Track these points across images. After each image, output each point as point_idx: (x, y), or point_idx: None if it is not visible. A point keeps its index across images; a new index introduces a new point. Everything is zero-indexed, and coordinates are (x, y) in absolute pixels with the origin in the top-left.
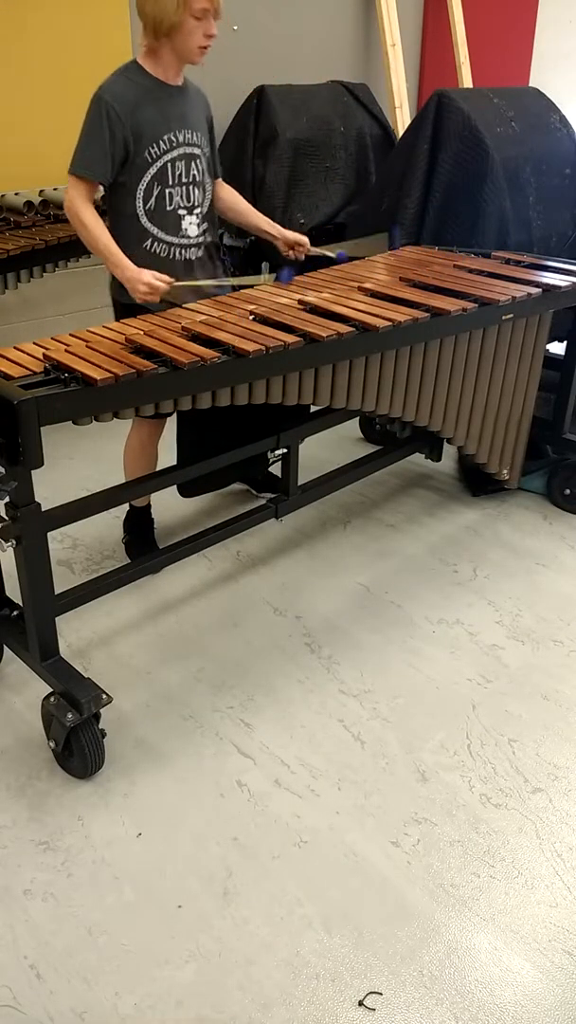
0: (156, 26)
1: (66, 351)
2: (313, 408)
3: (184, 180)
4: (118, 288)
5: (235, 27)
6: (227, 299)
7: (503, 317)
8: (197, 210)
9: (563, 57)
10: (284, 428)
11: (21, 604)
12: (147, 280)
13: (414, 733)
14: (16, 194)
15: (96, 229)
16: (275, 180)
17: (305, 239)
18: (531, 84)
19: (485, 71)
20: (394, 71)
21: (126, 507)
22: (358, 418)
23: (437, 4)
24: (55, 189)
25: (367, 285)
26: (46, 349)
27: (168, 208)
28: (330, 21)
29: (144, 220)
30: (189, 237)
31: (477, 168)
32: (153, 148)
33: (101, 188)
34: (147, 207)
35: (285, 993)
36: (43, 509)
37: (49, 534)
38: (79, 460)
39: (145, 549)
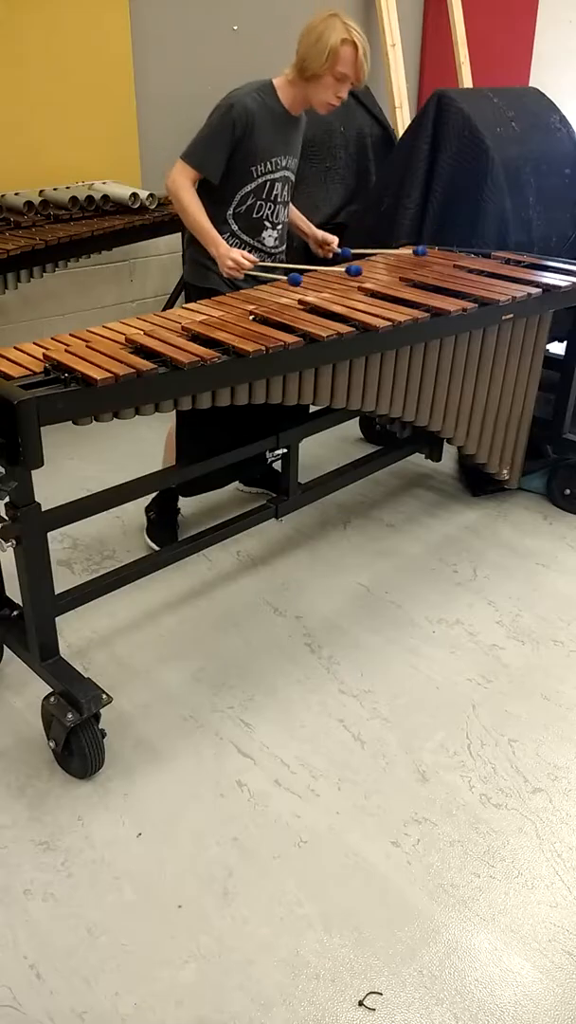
0: (302, 68)
1: (66, 351)
2: (313, 408)
3: (276, 199)
4: (196, 272)
5: (235, 27)
6: (227, 299)
7: (503, 317)
8: (279, 226)
9: (563, 57)
10: (284, 428)
11: (21, 604)
12: (234, 256)
13: (414, 733)
14: (16, 194)
15: (194, 209)
16: None
17: (333, 239)
18: (531, 84)
19: (485, 71)
20: (394, 71)
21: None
22: (358, 418)
23: (437, 4)
24: (55, 189)
25: (367, 285)
26: (46, 349)
27: (254, 216)
28: None
29: (229, 218)
30: (265, 246)
31: (477, 168)
32: (261, 166)
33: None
34: (236, 209)
35: (285, 993)
36: (43, 509)
37: (49, 534)
38: (79, 460)
39: (166, 532)
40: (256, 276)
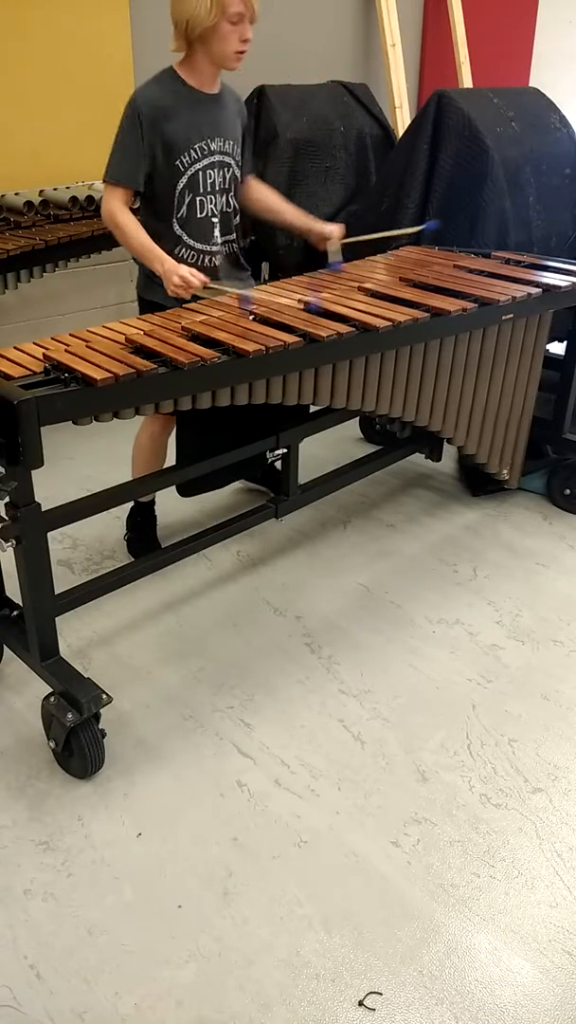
0: (188, 31)
1: (66, 351)
2: (313, 408)
3: (216, 188)
4: (144, 284)
5: None
6: (227, 299)
7: (503, 317)
8: (220, 216)
9: (563, 57)
10: (284, 428)
11: (21, 604)
12: (182, 274)
13: (414, 733)
14: (16, 194)
15: (131, 229)
16: (275, 180)
17: (334, 232)
18: (531, 84)
19: (485, 71)
20: (394, 71)
21: (126, 507)
22: (358, 418)
23: (437, 4)
24: (55, 189)
25: (367, 285)
26: (46, 349)
27: (199, 216)
28: (330, 21)
29: (176, 227)
30: (216, 243)
31: (477, 168)
32: (184, 157)
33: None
34: (179, 215)
35: (285, 993)
36: (43, 509)
37: (49, 534)
38: (79, 460)
39: (147, 547)
40: (202, 297)
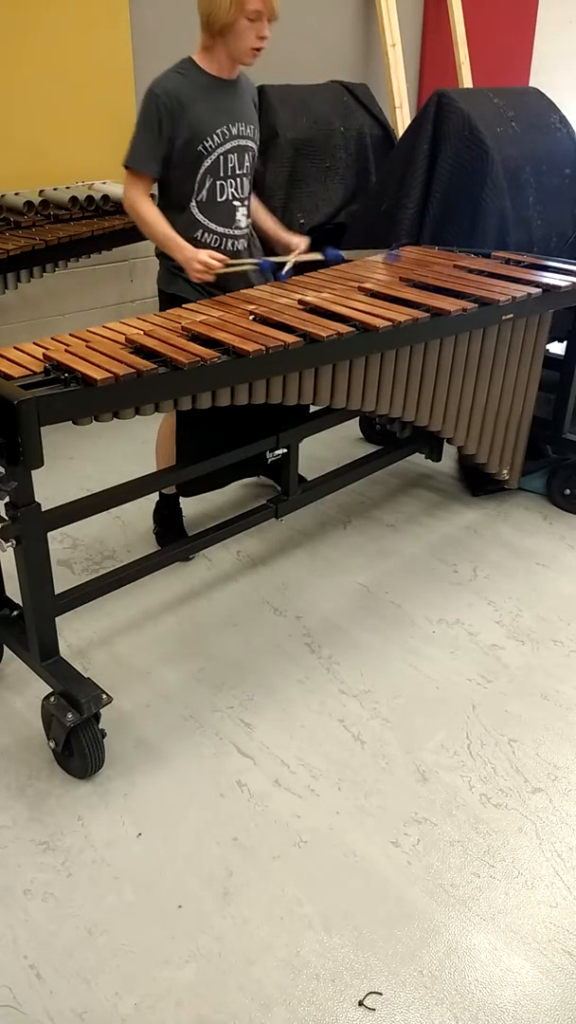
0: (210, 24)
1: (66, 351)
2: (313, 408)
3: (237, 172)
4: (166, 278)
5: None
6: (227, 299)
7: (503, 317)
8: (246, 200)
9: (563, 57)
10: (284, 428)
11: (21, 604)
12: (201, 259)
13: (414, 733)
14: (16, 194)
15: (153, 219)
16: (275, 180)
17: (298, 245)
18: (531, 84)
19: (485, 71)
20: (394, 71)
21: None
22: (358, 418)
23: (437, 4)
24: (55, 189)
25: (367, 285)
26: (46, 349)
27: (220, 200)
28: (330, 21)
29: (196, 212)
30: (240, 228)
31: (477, 168)
32: (207, 142)
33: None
34: (199, 199)
35: (285, 993)
36: (43, 509)
37: (49, 534)
38: (79, 460)
39: (176, 538)
40: (226, 274)
